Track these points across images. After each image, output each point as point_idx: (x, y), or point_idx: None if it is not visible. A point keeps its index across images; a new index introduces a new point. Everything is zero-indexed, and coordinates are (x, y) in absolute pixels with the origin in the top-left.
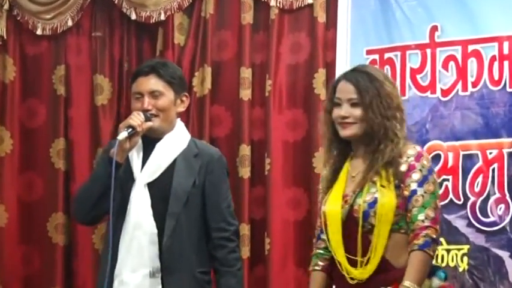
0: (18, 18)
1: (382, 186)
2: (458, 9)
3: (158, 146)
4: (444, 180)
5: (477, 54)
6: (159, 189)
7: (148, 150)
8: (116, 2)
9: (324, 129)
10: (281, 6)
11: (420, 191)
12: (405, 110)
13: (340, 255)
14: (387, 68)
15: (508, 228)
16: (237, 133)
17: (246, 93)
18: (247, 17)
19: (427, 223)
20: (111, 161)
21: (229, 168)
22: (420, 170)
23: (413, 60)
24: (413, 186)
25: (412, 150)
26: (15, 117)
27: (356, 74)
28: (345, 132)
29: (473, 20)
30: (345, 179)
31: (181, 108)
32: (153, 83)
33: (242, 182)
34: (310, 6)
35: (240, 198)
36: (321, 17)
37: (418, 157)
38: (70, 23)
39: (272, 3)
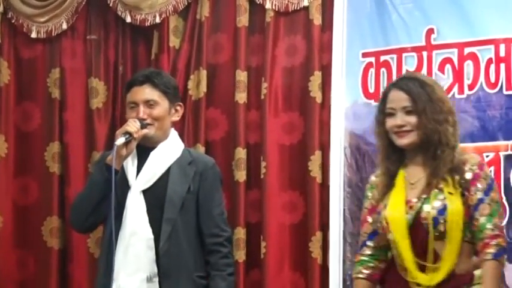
0: (13, 21)
1: (450, 193)
2: (455, 12)
3: (153, 154)
4: None
5: (473, 57)
6: (154, 196)
7: (143, 158)
8: (110, 5)
9: (378, 141)
10: (277, 8)
11: (487, 200)
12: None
13: (408, 260)
14: (383, 71)
15: (505, 231)
16: (233, 136)
17: (241, 96)
18: (243, 20)
19: (496, 232)
20: (108, 168)
21: (222, 175)
22: (484, 178)
23: (410, 63)
24: (480, 195)
25: (474, 158)
26: (10, 120)
27: (407, 81)
28: (403, 141)
29: (469, 22)
30: (403, 185)
31: (176, 118)
32: (148, 92)
33: (238, 186)
34: (306, 8)
35: (235, 201)
36: (317, 19)
37: (481, 165)
38: (65, 26)
39: (268, 5)
